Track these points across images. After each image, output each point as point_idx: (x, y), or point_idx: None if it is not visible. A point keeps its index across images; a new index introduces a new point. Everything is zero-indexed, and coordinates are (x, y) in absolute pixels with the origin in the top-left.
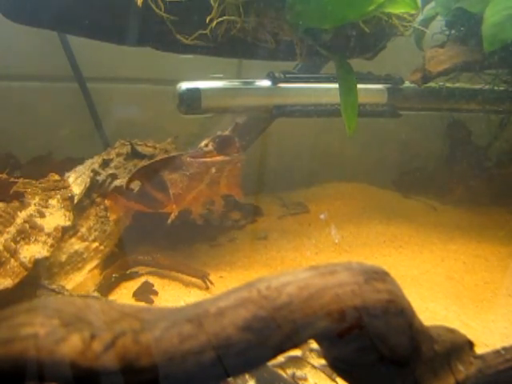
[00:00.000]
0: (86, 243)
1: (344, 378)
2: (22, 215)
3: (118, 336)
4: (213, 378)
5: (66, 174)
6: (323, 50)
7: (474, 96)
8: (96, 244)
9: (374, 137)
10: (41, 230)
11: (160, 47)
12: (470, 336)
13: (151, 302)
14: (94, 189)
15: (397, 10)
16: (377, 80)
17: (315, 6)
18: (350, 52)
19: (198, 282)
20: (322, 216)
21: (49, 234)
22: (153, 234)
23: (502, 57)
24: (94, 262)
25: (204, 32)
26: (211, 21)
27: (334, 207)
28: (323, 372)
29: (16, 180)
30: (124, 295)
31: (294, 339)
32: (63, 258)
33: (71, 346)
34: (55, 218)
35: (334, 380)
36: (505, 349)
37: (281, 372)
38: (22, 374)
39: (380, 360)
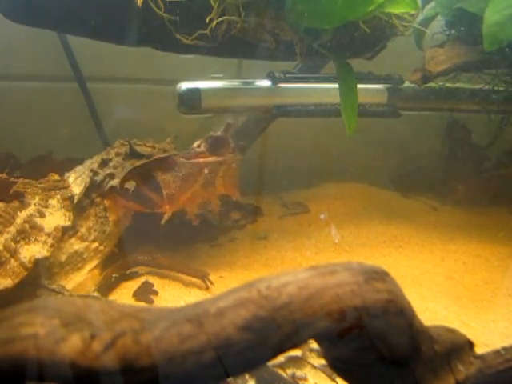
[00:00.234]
0: (86, 243)
1: (344, 378)
2: (22, 215)
3: (118, 336)
4: (213, 377)
5: (66, 174)
6: (323, 49)
7: (474, 96)
8: (96, 244)
9: (374, 137)
10: (41, 229)
11: (160, 47)
12: (470, 336)
13: (151, 302)
14: (93, 189)
15: (397, 9)
16: (377, 80)
17: (315, 5)
18: (350, 52)
19: (198, 281)
20: (322, 216)
21: (49, 234)
22: (153, 234)
23: (502, 57)
24: (94, 262)
25: (204, 32)
26: (211, 21)
27: (333, 207)
28: (323, 372)
29: (16, 180)
30: (124, 295)
31: (293, 339)
32: (63, 258)
33: (71, 345)
34: (55, 217)
35: (334, 380)
36: (505, 349)
37: (281, 372)
38: (22, 374)
39: (380, 360)
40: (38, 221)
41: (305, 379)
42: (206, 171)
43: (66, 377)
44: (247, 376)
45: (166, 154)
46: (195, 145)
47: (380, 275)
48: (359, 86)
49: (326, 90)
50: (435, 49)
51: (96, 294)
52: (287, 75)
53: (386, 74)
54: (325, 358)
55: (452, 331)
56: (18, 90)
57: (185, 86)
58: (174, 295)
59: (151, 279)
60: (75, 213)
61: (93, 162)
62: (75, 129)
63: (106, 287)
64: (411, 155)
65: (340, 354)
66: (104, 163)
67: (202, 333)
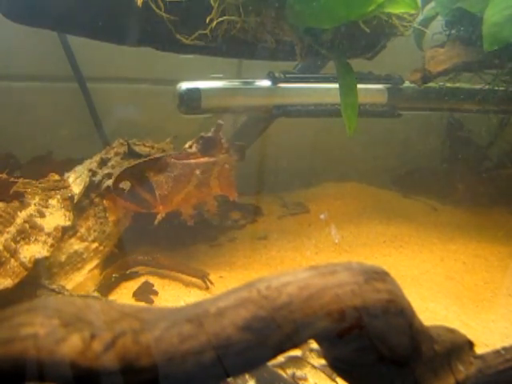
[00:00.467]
0: (86, 243)
1: (344, 378)
2: (22, 215)
3: (118, 336)
4: (213, 378)
5: (66, 174)
6: (323, 49)
7: (474, 96)
8: (96, 244)
9: (374, 137)
10: (41, 229)
11: (160, 47)
12: (470, 336)
13: (151, 302)
14: (92, 189)
15: (397, 9)
16: (377, 80)
17: (315, 5)
18: (350, 52)
19: (198, 282)
20: (321, 216)
21: (49, 234)
22: (153, 234)
23: (502, 57)
24: (94, 262)
25: (204, 32)
26: (211, 21)
27: (333, 207)
28: (323, 372)
29: (16, 180)
30: (124, 295)
31: (293, 339)
32: (63, 258)
33: (71, 346)
34: (55, 217)
35: (334, 380)
36: (505, 349)
37: (281, 372)
38: (22, 374)
39: (380, 360)
40: (38, 221)
41: (305, 379)
42: (197, 172)
43: (65, 377)
44: (247, 376)
45: (158, 155)
46: (187, 145)
47: (380, 275)
48: (359, 86)
49: (326, 90)
50: (435, 49)
51: (96, 294)
52: (287, 75)
53: (385, 74)
54: (325, 358)
55: (452, 331)
56: (18, 90)
57: (185, 85)
58: (174, 295)
59: (151, 279)
60: (75, 213)
61: (92, 162)
62: (75, 129)
63: (106, 287)
64: (411, 155)
65: (340, 354)
66: (103, 163)
67: (202, 333)
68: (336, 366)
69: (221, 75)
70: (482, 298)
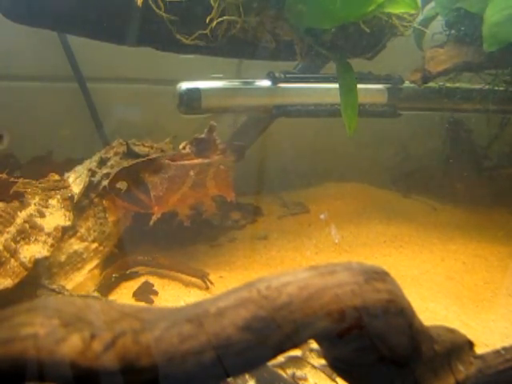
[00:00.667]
0: (86, 243)
1: (344, 378)
2: (22, 215)
3: (118, 336)
4: (213, 377)
5: (66, 174)
6: (323, 49)
7: (474, 96)
8: (95, 244)
9: (374, 137)
10: (41, 229)
11: (160, 47)
12: (470, 336)
13: (151, 302)
14: (91, 189)
15: (397, 9)
16: (377, 80)
17: (315, 5)
18: (350, 52)
19: (198, 281)
20: (322, 216)
21: (49, 234)
22: (152, 235)
23: (502, 57)
24: (94, 262)
25: (204, 32)
26: (211, 21)
27: (333, 207)
28: (323, 372)
29: (16, 180)
30: (124, 295)
31: (293, 339)
32: (63, 258)
33: (71, 346)
34: (55, 217)
35: (334, 380)
36: (505, 349)
37: (281, 372)
38: (22, 374)
39: (380, 360)
40: (38, 221)
41: (305, 379)
42: (191, 173)
43: (65, 377)
44: (247, 376)
45: (153, 156)
46: (181, 146)
47: (380, 275)
48: (359, 85)
49: (326, 90)
50: (435, 49)
51: (96, 294)
52: (287, 75)
53: (385, 74)
54: (325, 358)
55: (452, 331)
56: (18, 90)
57: (185, 85)
58: (174, 295)
59: (151, 279)
60: (75, 213)
61: (91, 162)
62: (75, 129)
63: (106, 287)
64: (411, 155)
65: (340, 354)
66: (102, 162)
67: (202, 333)
68: (336, 365)
69: (221, 75)
70: (481, 298)
